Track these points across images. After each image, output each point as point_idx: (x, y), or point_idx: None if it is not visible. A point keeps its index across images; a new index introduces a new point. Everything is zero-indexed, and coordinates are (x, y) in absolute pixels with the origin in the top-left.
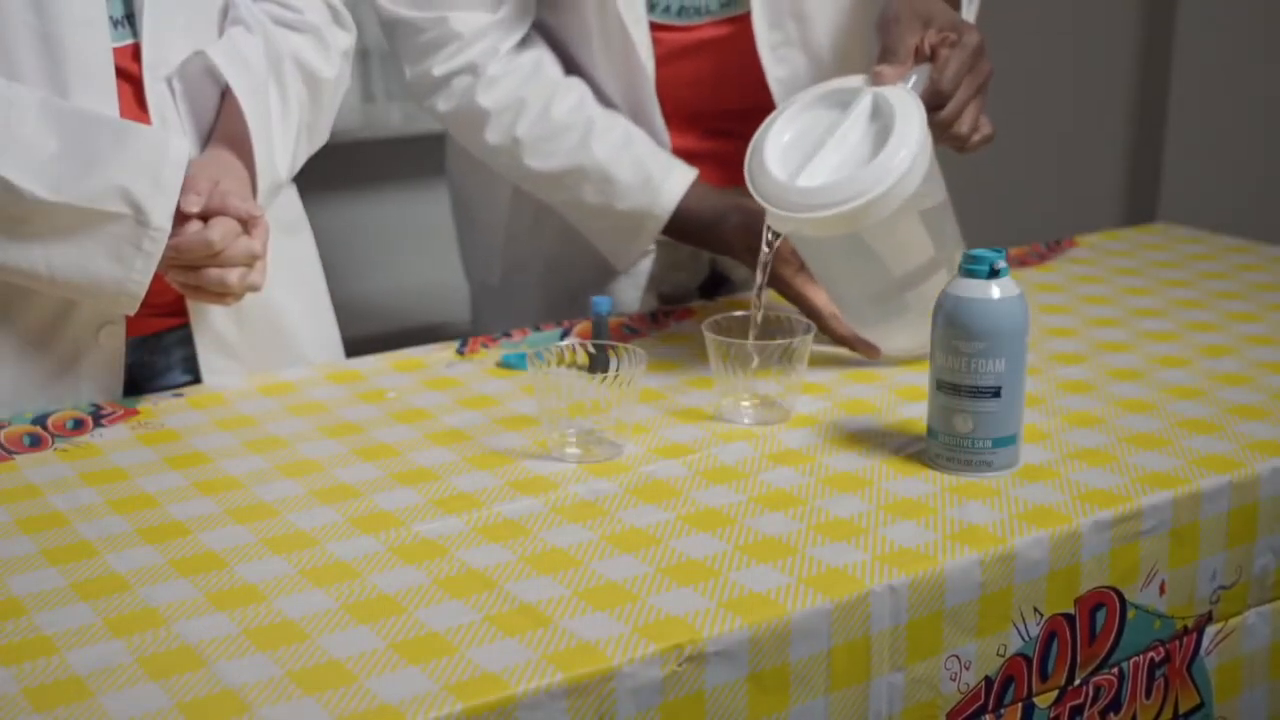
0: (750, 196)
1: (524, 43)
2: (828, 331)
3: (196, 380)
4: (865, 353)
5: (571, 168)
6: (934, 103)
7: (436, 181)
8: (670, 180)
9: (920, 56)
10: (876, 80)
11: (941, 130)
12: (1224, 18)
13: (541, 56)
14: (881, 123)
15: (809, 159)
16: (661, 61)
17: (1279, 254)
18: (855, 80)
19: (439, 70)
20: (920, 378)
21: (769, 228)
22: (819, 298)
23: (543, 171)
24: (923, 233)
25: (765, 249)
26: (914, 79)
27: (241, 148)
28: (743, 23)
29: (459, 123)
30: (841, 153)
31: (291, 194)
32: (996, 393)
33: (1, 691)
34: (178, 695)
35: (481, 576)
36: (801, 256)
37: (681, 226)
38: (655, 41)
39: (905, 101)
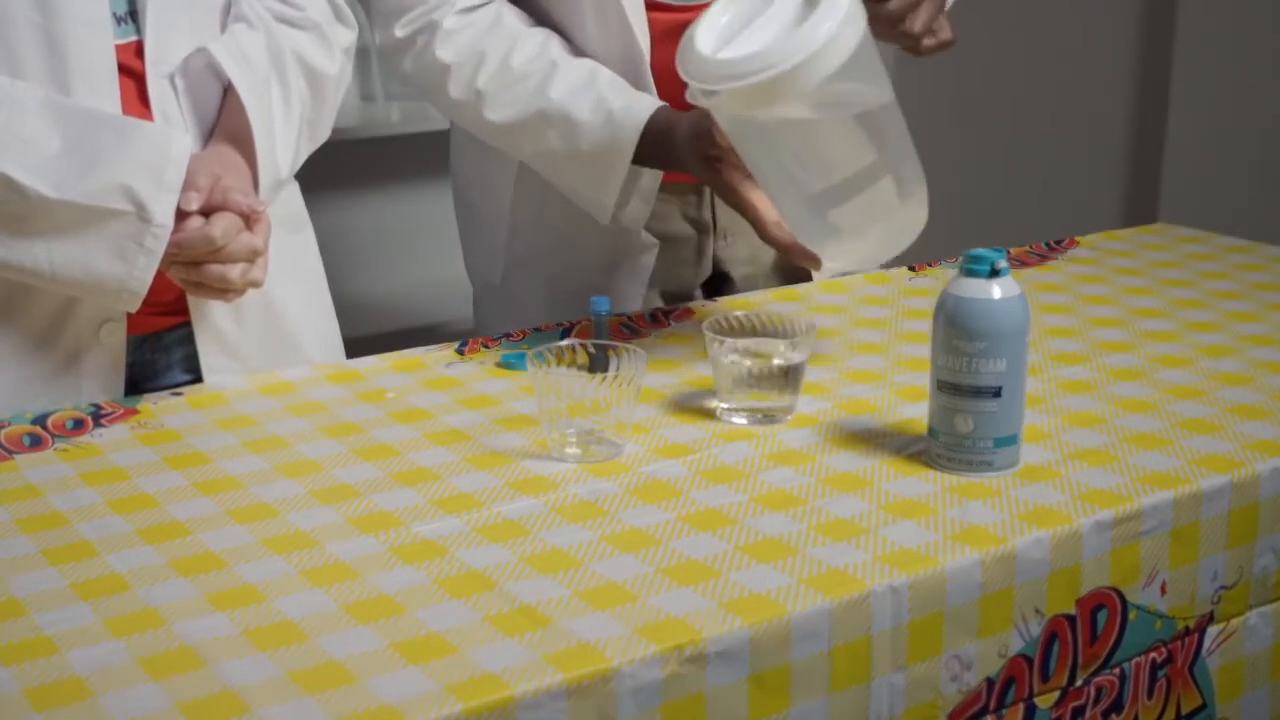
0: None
1: (492, 3)
2: (768, 239)
3: (197, 379)
4: (807, 263)
5: (532, 114)
6: None
7: (436, 180)
8: (633, 112)
9: None
10: None
11: (890, 25)
12: (1224, 18)
13: (501, 9)
14: (816, 2)
15: (738, 35)
16: (658, 40)
17: (1279, 254)
18: None
19: (402, 32)
20: (921, 378)
21: (690, 95)
22: (762, 203)
23: (504, 123)
24: (846, 144)
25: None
26: None
27: (243, 144)
28: None
29: (423, 81)
30: (771, 29)
31: (293, 191)
32: (997, 393)
33: (1, 691)
34: (178, 695)
35: (481, 576)
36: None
37: (642, 152)
38: (651, 21)
39: None
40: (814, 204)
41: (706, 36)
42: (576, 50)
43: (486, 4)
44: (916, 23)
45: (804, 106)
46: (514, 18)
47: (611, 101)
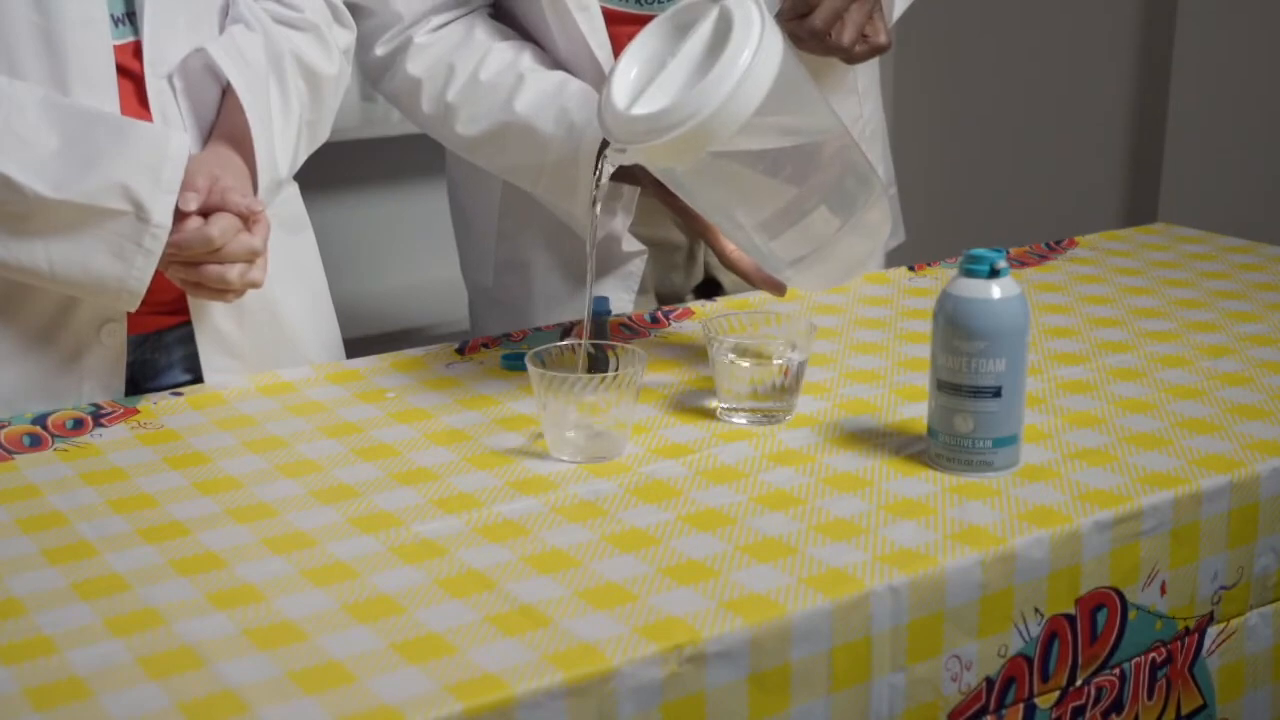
0: None
1: (465, 18)
2: (730, 267)
3: (197, 379)
4: (770, 290)
5: (498, 127)
6: (803, 9)
7: (436, 181)
8: (594, 124)
9: None
10: None
11: (817, 40)
12: (1224, 18)
13: (474, 23)
14: (725, 39)
15: (649, 85)
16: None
17: (1279, 254)
18: None
19: (380, 51)
20: (921, 378)
21: (602, 158)
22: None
23: (473, 136)
24: (777, 181)
25: (596, 187)
26: None
27: (242, 144)
28: None
29: (399, 98)
30: (680, 76)
31: (293, 192)
32: (997, 393)
33: (1, 691)
34: (178, 695)
35: (481, 576)
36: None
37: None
38: (615, 35)
39: (748, 10)
40: (755, 237)
41: (620, 90)
42: (554, 63)
43: (459, 19)
44: (844, 35)
45: (726, 150)
46: (485, 32)
47: (574, 114)
